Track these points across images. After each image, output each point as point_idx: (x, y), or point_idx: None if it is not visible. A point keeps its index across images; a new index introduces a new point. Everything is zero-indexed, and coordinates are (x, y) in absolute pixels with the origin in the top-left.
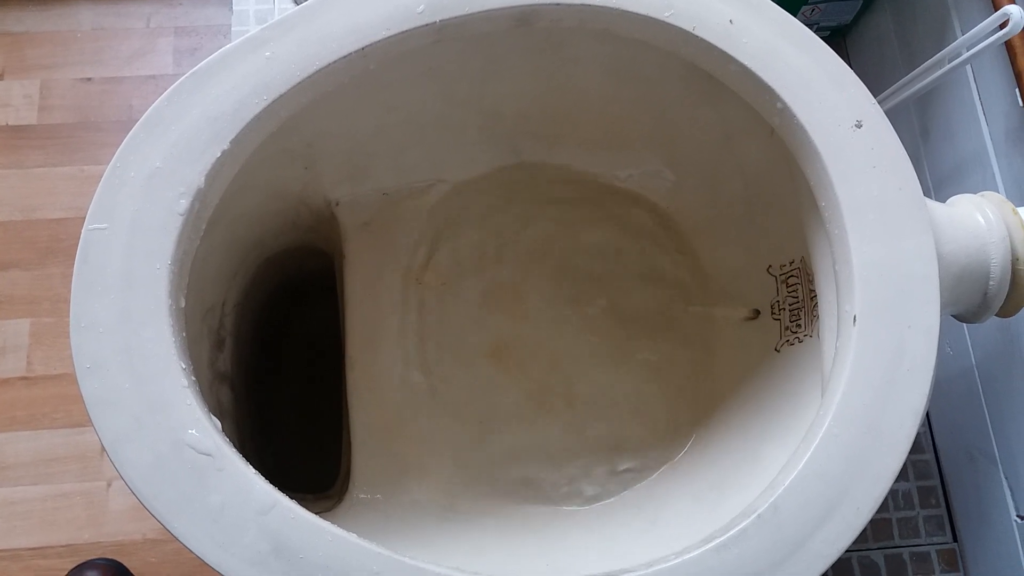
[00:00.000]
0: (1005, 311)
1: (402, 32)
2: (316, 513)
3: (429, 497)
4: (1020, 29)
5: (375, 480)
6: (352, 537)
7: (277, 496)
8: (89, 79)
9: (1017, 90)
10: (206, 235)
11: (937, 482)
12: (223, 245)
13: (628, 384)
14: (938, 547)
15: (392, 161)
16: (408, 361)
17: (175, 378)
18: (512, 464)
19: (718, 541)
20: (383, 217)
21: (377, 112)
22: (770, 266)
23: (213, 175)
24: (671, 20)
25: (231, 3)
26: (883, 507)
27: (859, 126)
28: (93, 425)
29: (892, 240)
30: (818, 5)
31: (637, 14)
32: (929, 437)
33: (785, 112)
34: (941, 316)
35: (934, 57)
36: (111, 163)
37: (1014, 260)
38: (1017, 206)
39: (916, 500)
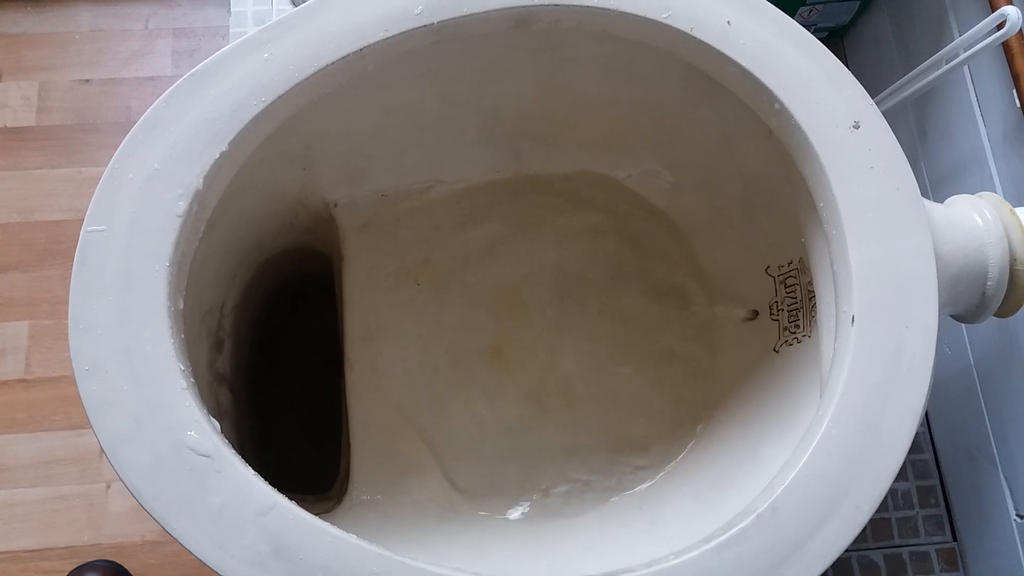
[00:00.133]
0: (1003, 311)
1: (400, 33)
2: (316, 514)
3: (429, 497)
4: (1017, 30)
5: (375, 481)
6: (352, 538)
7: (276, 497)
8: (87, 81)
9: (1014, 91)
10: (204, 237)
11: (936, 482)
12: (222, 247)
13: (627, 385)
14: (938, 546)
15: (391, 162)
16: (407, 361)
17: (174, 379)
18: (512, 464)
19: (718, 541)
20: (382, 218)
21: (375, 113)
22: (768, 267)
23: (211, 177)
24: (669, 21)
25: (229, 4)
26: (882, 507)
27: (857, 127)
28: (92, 427)
29: (890, 240)
30: (816, 6)
31: (635, 15)
32: (928, 437)
33: (783, 113)
34: (939, 316)
35: (932, 58)
36: (109, 165)
37: (1012, 260)
38: (1015, 207)
39: (915, 500)
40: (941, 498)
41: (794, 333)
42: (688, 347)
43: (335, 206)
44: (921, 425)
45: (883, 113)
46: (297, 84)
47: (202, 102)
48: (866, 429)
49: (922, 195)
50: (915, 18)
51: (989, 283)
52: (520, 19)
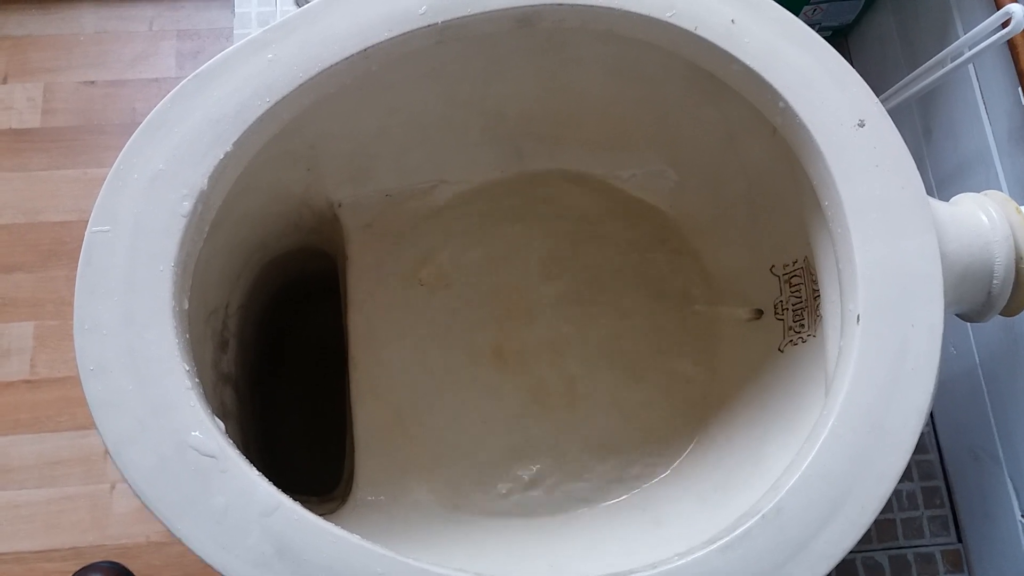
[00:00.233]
0: (1009, 310)
1: (404, 33)
2: (320, 515)
3: (432, 498)
4: (1022, 28)
5: (379, 481)
6: (355, 539)
7: (281, 498)
8: (92, 82)
9: (1020, 89)
10: (209, 237)
11: (941, 482)
12: (226, 247)
13: (631, 385)
14: (942, 547)
15: (394, 162)
16: (411, 361)
17: (179, 380)
18: (515, 464)
19: (722, 542)
20: (385, 218)
21: (379, 113)
22: (773, 266)
23: (216, 177)
24: (673, 20)
25: (233, 6)
26: (887, 507)
27: (862, 125)
28: (97, 427)
29: (895, 239)
30: (820, 5)
31: (639, 14)
32: (933, 437)
33: (787, 112)
34: (945, 315)
35: (936, 56)
36: (114, 165)
37: (1018, 259)
38: (1020, 204)
39: (920, 500)
40: (946, 499)
41: (799, 333)
42: (692, 347)
43: (339, 206)
44: (926, 425)
45: (888, 111)
46: (301, 85)
47: (206, 103)
48: (871, 429)
49: (927, 193)
50: (919, 16)
51: (995, 282)
52: (524, 19)
